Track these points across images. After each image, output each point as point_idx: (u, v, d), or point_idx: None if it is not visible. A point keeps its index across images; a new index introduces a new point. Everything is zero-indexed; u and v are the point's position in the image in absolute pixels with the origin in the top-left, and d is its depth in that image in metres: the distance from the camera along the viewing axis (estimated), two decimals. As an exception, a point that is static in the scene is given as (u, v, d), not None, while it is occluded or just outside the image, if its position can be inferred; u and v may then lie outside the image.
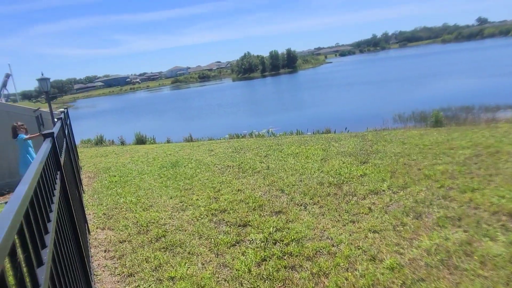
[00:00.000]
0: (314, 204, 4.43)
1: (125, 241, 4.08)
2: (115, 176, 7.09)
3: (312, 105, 32.02)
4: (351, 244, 3.33)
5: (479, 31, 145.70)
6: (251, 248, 3.53)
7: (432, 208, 3.82)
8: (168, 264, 3.43)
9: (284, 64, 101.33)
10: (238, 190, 5.29)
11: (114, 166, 8.09)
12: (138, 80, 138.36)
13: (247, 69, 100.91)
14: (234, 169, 6.51)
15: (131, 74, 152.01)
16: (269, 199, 4.77)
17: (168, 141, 13.56)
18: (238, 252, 3.50)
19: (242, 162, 6.86)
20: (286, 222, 4.01)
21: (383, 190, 4.53)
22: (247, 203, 4.72)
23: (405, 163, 5.51)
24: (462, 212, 3.59)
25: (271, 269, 3.09)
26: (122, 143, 14.26)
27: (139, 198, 5.51)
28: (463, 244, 3.00)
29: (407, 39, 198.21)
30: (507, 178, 4.25)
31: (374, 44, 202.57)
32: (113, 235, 4.28)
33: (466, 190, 4.09)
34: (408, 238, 3.28)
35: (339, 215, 4.01)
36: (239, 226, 4.08)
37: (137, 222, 4.56)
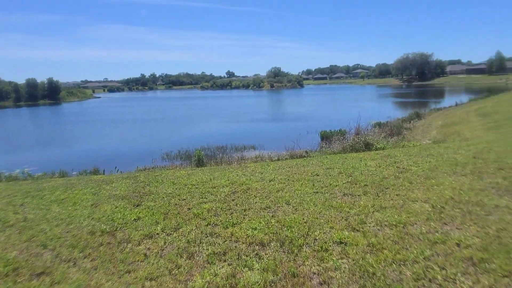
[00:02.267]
0: (85, 257, 4.05)
1: None
2: None
3: (78, 142, 29.40)
4: (128, 296, 3.23)
5: (229, 82, 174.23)
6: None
7: (202, 246, 4.19)
8: None
9: (45, 94, 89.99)
10: (-20, 253, 4.22)
11: None
12: None
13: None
14: (-28, 226, 5.15)
15: None
16: (27, 259, 4.02)
17: None
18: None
19: (-16, 216, 5.52)
20: (51, 284, 3.49)
21: (157, 233, 4.64)
22: (-6, 269, 3.82)
23: (176, 203, 5.83)
24: (226, 246, 4.12)
25: None
26: None
27: None
28: (229, 278, 3.44)
29: (172, 82, 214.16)
30: (257, 212, 5.19)
31: (143, 84, 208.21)
32: None
33: (228, 226, 4.71)
34: (183, 280, 3.47)
35: (114, 266, 3.82)
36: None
37: None
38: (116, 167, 14.93)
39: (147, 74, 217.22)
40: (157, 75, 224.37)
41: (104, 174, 13.15)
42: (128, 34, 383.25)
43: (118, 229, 4.84)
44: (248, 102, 75.38)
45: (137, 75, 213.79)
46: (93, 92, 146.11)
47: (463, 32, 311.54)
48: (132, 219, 5.18)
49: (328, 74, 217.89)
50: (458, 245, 3.77)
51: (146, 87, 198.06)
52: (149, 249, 4.21)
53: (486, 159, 7.49)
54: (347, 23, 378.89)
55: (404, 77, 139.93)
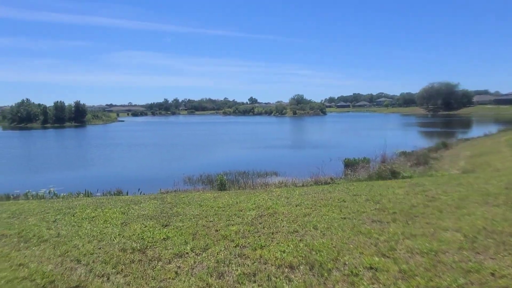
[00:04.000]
0: (118, 273, 4.16)
1: None
2: None
3: (101, 164, 30.24)
4: (161, 312, 3.30)
5: (251, 109, 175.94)
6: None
7: (231, 266, 4.24)
8: None
9: (71, 117, 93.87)
10: (20, 264, 4.40)
11: None
12: None
13: (25, 118, 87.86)
14: (12, 238, 5.38)
15: None
16: (62, 273, 4.17)
17: None
18: None
19: (23, 230, 5.75)
20: (87, 297, 3.60)
21: (187, 253, 4.71)
22: (33, 280, 3.98)
23: (204, 225, 5.92)
24: (256, 268, 4.14)
25: None
26: None
27: None
28: (260, 297, 3.46)
29: (194, 107, 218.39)
30: (285, 235, 5.20)
31: (166, 108, 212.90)
32: None
33: (256, 248, 4.74)
34: (215, 297, 3.51)
35: (146, 283, 3.91)
36: (23, 310, 3.38)
37: None
38: (139, 189, 15.21)
39: (170, 99, 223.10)
40: (180, 100, 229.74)
41: (127, 195, 13.42)
42: (152, 60, 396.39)
43: (148, 247, 4.95)
44: (271, 129, 75.80)
45: (160, 100, 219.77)
46: (118, 115, 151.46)
47: (489, 62, 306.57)
48: (161, 238, 5.29)
49: (351, 102, 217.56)
50: (492, 274, 3.67)
51: (168, 112, 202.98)
52: (179, 267, 4.28)
53: (520, 190, 7.27)
54: (371, 52, 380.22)
55: (429, 106, 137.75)
